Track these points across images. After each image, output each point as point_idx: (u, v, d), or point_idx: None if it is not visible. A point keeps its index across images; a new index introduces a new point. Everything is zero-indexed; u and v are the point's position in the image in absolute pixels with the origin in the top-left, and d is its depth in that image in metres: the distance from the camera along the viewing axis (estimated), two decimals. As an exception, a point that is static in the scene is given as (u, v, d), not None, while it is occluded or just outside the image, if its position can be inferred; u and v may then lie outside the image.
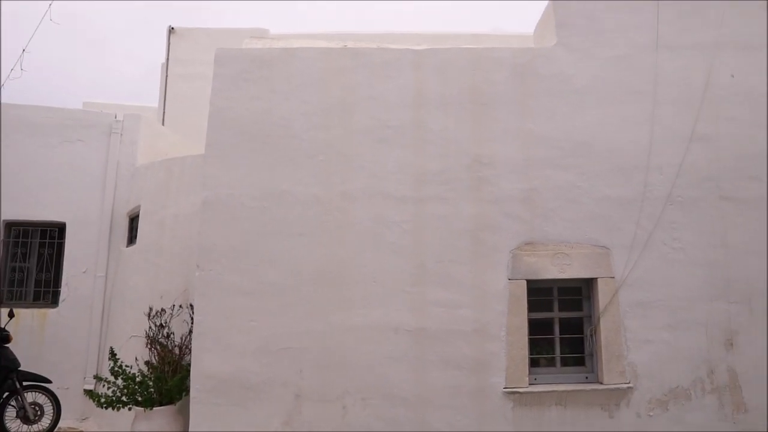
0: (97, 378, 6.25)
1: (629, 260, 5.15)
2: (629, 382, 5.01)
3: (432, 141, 5.25)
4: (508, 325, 5.01)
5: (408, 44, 6.09)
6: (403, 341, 4.99)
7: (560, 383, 5.09)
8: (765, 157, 5.41)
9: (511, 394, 4.93)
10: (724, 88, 5.49)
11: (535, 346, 5.19)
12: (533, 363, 5.15)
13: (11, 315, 6.56)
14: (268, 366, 4.96)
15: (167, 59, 9.87)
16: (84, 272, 7.44)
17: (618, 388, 4.99)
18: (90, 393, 5.83)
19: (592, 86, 5.41)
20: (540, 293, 5.22)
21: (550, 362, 5.23)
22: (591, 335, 5.19)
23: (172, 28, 9.95)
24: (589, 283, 5.24)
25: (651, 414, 5.04)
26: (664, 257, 5.19)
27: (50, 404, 6.36)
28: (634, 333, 5.08)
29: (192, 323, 5.37)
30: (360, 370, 4.96)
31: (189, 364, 5.28)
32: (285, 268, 5.07)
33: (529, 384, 5.00)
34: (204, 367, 4.93)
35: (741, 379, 5.11)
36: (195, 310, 5.09)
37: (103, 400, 5.53)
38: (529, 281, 5.08)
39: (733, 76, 5.52)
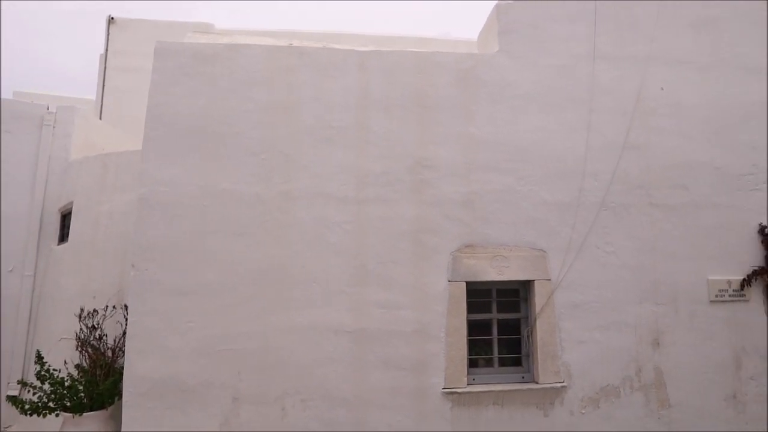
0: (22, 383, 5.94)
1: (565, 263, 5.32)
2: (563, 382, 5.16)
3: (375, 142, 5.26)
4: (447, 326, 5.07)
5: (354, 45, 6.08)
6: (343, 342, 4.97)
7: (498, 383, 5.19)
8: (690, 166, 5.71)
9: (449, 395, 4.99)
10: (655, 99, 5.76)
11: (474, 346, 5.28)
12: (472, 363, 5.24)
13: None
14: (206, 368, 4.84)
15: (106, 50, 9.50)
16: (10, 271, 7.08)
17: (553, 387, 5.14)
18: (13, 399, 5.54)
19: (532, 93, 5.56)
20: (479, 295, 5.31)
21: (489, 363, 5.32)
22: (528, 336, 5.32)
23: (112, 18, 9.57)
24: (527, 285, 5.37)
25: (583, 412, 5.20)
26: (597, 260, 5.38)
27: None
28: (568, 333, 5.25)
29: (126, 324, 5.18)
30: (299, 371, 4.91)
31: (122, 367, 5.10)
32: (224, 268, 4.97)
33: (468, 384, 5.07)
34: (138, 370, 4.77)
35: (666, 376, 5.35)
36: (129, 311, 4.92)
37: (27, 406, 5.26)
38: (468, 283, 5.16)
39: (663, 88, 5.80)
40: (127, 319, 5.08)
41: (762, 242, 5.73)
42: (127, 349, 4.83)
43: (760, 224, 5.76)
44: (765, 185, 5.86)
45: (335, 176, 5.17)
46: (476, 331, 5.29)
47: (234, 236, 5.02)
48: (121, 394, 4.87)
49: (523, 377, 5.29)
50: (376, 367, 4.98)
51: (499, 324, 5.36)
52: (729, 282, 5.60)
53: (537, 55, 5.65)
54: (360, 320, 5.01)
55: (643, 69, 5.79)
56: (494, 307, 5.37)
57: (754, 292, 5.64)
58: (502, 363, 5.34)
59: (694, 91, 5.88)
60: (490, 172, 5.34)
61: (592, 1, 5.86)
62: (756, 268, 5.66)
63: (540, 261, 5.29)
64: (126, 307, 5.43)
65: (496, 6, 5.75)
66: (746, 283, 5.61)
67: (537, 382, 5.17)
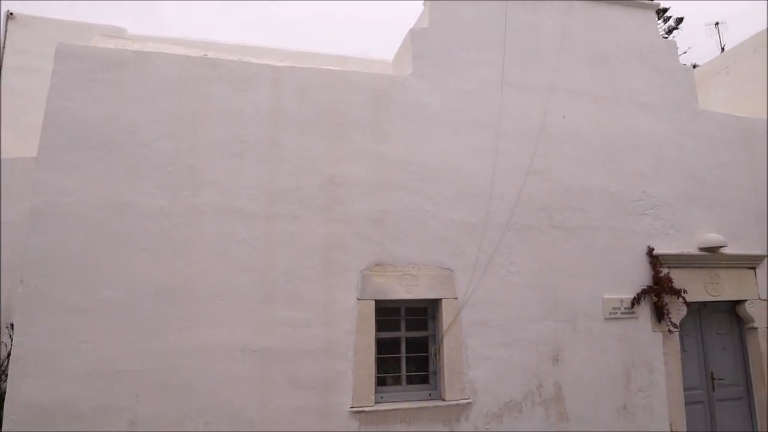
0: None
1: (471, 282, 5.48)
2: (468, 398, 5.29)
3: (286, 159, 5.22)
4: (356, 344, 5.07)
5: (271, 59, 6.04)
6: (249, 361, 4.85)
7: (405, 401, 5.23)
8: (588, 191, 6.08)
9: (357, 413, 4.97)
10: (557, 127, 6.11)
11: (382, 364, 5.31)
12: (380, 381, 5.26)
13: None
14: (101, 391, 4.56)
15: (3, 48, 8.85)
16: None
17: (458, 404, 5.24)
18: None
19: (443, 116, 5.74)
20: (388, 313, 5.36)
21: (397, 381, 5.37)
22: (435, 354, 5.42)
23: (11, 13, 8.94)
24: (435, 304, 5.48)
25: (488, 427, 5.34)
26: (502, 279, 5.59)
27: None
28: (474, 351, 5.39)
29: (11, 345, 4.81)
30: (203, 392, 4.73)
31: (5, 392, 4.71)
32: (124, 285, 4.72)
33: (375, 402, 5.08)
34: (22, 395, 4.41)
35: (565, 390, 5.61)
36: (15, 330, 4.56)
37: None
38: (377, 301, 5.20)
39: (564, 117, 6.16)
40: (12, 339, 4.72)
41: (650, 263, 6.17)
42: (10, 372, 4.47)
43: (648, 246, 6.20)
44: (653, 211, 6.33)
45: (245, 191, 5.07)
46: (385, 349, 5.33)
47: (136, 251, 4.80)
48: (2, 422, 4.49)
49: (430, 394, 5.36)
50: (282, 386, 4.89)
51: (407, 342, 5.43)
52: (621, 300, 5.98)
53: (448, 80, 5.85)
54: (267, 338, 4.91)
55: (547, 98, 6.14)
56: (403, 325, 5.44)
57: (643, 309, 6.06)
58: (410, 381, 5.40)
59: (591, 121, 6.29)
60: (401, 191, 5.44)
61: (501, 31, 6.15)
62: (644, 287, 6.08)
63: (448, 280, 5.42)
64: (12, 326, 5.04)
65: (411, 31, 5.92)
66: (636, 301, 6.01)
67: (443, 399, 5.26)
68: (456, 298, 5.41)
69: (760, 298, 6.62)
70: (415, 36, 5.88)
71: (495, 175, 5.76)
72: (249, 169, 5.12)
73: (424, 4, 6.43)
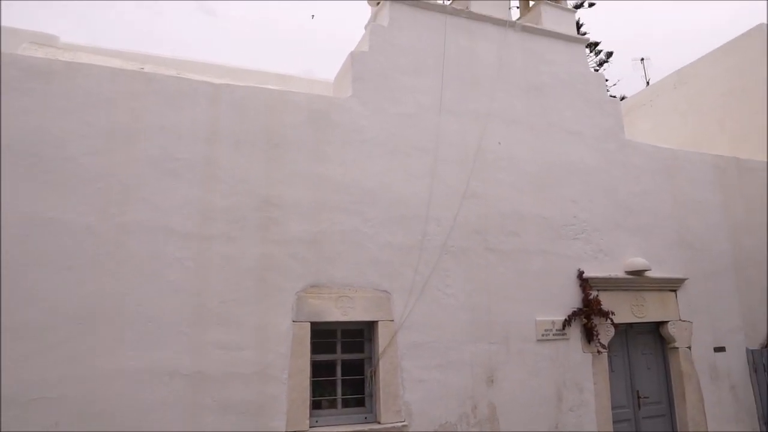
0: None
1: (407, 304, 5.51)
2: (404, 421, 5.27)
3: (222, 178, 5.12)
4: (290, 367, 4.98)
5: (211, 75, 5.95)
6: (179, 386, 4.67)
7: (341, 424, 5.16)
8: (521, 215, 6.27)
9: (291, 438, 4.87)
10: (493, 153, 6.30)
11: (318, 387, 5.23)
12: (315, 405, 5.18)
13: None
14: (15, 420, 4.26)
15: None
16: None
17: (394, 427, 5.21)
18: None
19: (381, 139, 5.80)
20: (324, 335, 5.30)
21: (332, 404, 5.29)
22: (371, 376, 5.39)
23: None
24: (371, 326, 5.47)
25: (423, 450, 5.34)
26: (437, 302, 5.65)
27: None
28: (409, 373, 5.40)
29: None
30: (129, 418, 4.51)
31: None
32: (45, 306, 4.46)
33: (310, 426, 4.99)
34: (-76, 425, 4.09)
35: (499, 411, 5.69)
36: None
37: None
38: (313, 323, 5.13)
39: (500, 143, 6.36)
40: None
41: (580, 286, 6.40)
42: None
43: (578, 270, 6.43)
44: (583, 235, 6.59)
45: (178, 210, 4.93)
46: (320, 371, 5.26)
47: (58, 270, 4.56)
48: None
49: (366, 418, 5.32)
50: (214, 411, 4.72)
51: (343, 364, 5.38)
52: (553, 322, 6.16)
53: (387, 103, 5.93)
54: (198, 362, 4.75)
55: (483, 124, 6.32)
56: (339, 347, 5.39)
57: (573, 331, 6.25)
58: (346, 404, 5.34)
59: (526, 148, 6.53)
60: (337, 213, 5.43)
61: (440, 58, 6.32)
62: (575, 309, 6.29)
63: (384, 302, 5.43)
64: None
65: (351, 54, 5.98)
66: (567, 323, 6.20)
67: (379, 422, 5.22)
68: (392, 321, 5.42)
69: (680, 319, 6.97)
70: (355, 59, 5.95)
71: (432, 199, 5.85)
72: (183, 188, 4.98)
73: (365, 28, 6.53)
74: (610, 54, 19.71)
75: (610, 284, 6.59)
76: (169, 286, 4.79)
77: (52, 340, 4.44)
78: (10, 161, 4.59)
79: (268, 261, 5.10)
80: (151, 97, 5.09)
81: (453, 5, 6.94)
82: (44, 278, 4.50)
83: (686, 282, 7.10)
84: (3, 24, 7.08)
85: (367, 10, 7.37)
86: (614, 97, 18.67)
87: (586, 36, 19.00)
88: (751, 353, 7.29)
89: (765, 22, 9.10)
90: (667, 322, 6.90)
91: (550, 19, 7.36)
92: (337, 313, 5.22)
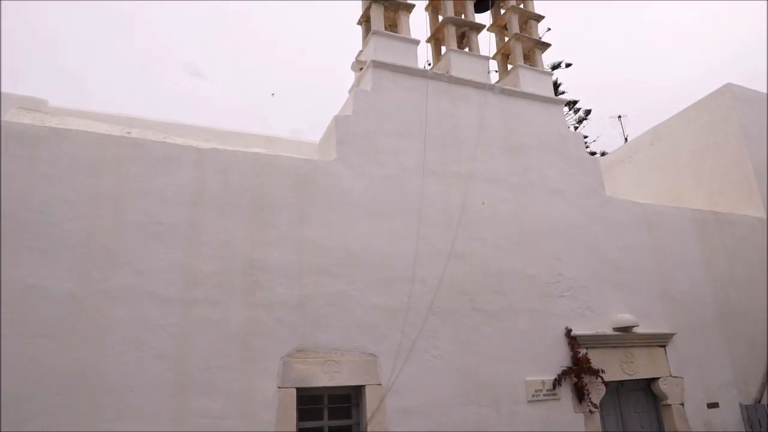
0: None
1: (395, 367, 5.41)
2: (394, 489, 5.09)
3: (207, 242, 5.10)
4: (275, 435, 4.82)
5: (197, 138, 6.03)
6: (159, 458, 4.49)
7: (327, 495, 4.98)
8: (506, 274, 6.28)
9: None
10: (476, 213, 6.38)
11: (304, 456, 5.06)
12: (301, 474, 5.00)
13: None
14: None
15: None
16: None
17: (383, 497, 5.03)
18: None
19: (365, 201, 5.85)
20: (310, 401, 5.17)
21: (319, 473, 5.11)
22: (358, 443, 5.23)
23: None
24: (358, 391, 5.35)
25: None
26: (425, 364, 5.56)
27: None
28: (398, 439, 5.25)
29: None
30: (106, 495, 4.31)
31: None
32: (22, 376, 4.31)
33: (296, 498, 4.80)
34: None
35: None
36: None
37: None
38: (299, 389, 5.01)
39: (483, 203, 6.44)
40: None
41: (569, 344, 6.35)
42: None
43: (566, 328, 6.41)
44: (569, 292, 6.60)
45: (161, 275, 4.88)
46: (306, 439, 5.10)
47: (38, 338, 4.43)
48: None
49: (353, 487, 5.13)
50: (196, 484, 4.53)
51: (330, 431, 5.23)
52: (543, 382, 6.07)
53: (371, 166, 6.02)
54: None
55: (466, 185, 6.42)
56: (326, 413, 5.25)
57: (564, 390, 6.15)
58: (333, 473, 5.16)
59: (508, 207, 6.61)
60: (323, 276, 5.40)
61: (422, 121, 6.48)
62: (565, 368, 6.22)
63: (371, 366, 5.33)
64: None
65: (335, 118, 6.12)
66: (557, 382, 6.12)
67: (368, 492, 5.04)
68: (380, 385, 5.31)
69: (671, 375, 6.91)
70: (339, 123, 6.08)
71: (417, 260, 5.85)
72: (167, 252, 4.95)
73: (348, 93, 6.71)
74: (588, 111, 20.30)
75: (599, 341, 6.56)
76: (151, 352, 4.68)
77: (28, 412, 4.27)
78: (-7, 228, 4.54)
79: (253, 325, 5.02)
80: (137, 162, 5.13)
81: (434, 70, 7.19)
82: (20, 347, 4.37)
83: (674, 337, 7.08)
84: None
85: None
86: (594, 153, 19.28)
87: (563, 96, 19.72)
88: (745, 409, 7.21)
89: (731, 81, 9.49)
90: (658, 378, 6.83)
91: (528, 81, 7.62)
92: (323, 378, 5.11)
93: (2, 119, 5.04)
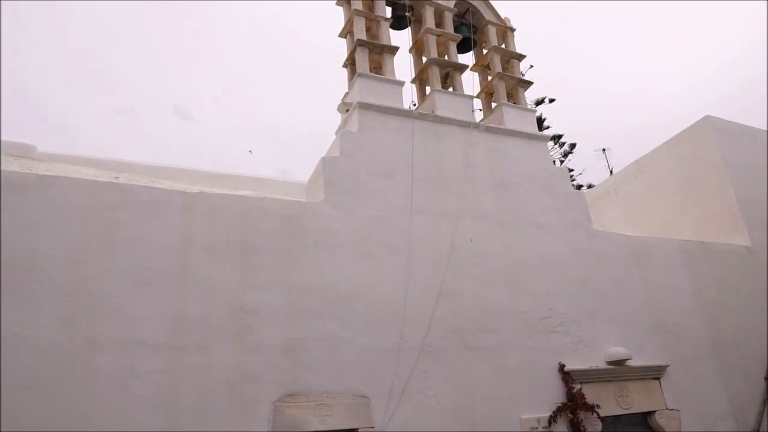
0: None
1: (387, 409, 5.32)
2: None
3: (195, 286, 5.06)
4: (266, 485, 4.71)
5: (186, 181, 6.05)
6: None
7: None
8: (498, 311, 6.27)
9: None
10: (465, 250, 6.39)
11: (295, 505, 4.92)
12: None
13: None
14: None
15: None
16: None
17: None
18: None
19: (354, 241, 5.85)
20: (302, 447, 5.07)
21: None
22: (352, 489, 5.11)
23: None
24: (351, 434, 5.26)
25: None
26: (418, 405, 5.47)
27: None
28: (391, 483, 5.13)
29: None
30: None
31: None
32: (4, 430, 4.22)
33: None
34: None
35: None
36: None
37: None
38: (290, 435, 4.92)
39: (472, 240, 6.47)
40: None
41: (562, 380, 6.30)
42: None
43: (559, 363, 6.36)
44: (561, 327, 6.58)
45: (149, 321, 4.81)
46: (298, 487, 4.97)
47: (20, 390, 4.33)
48: None
49: None
50: None
51: (322, 478, 5.11)
52: (538, 420, 5.98)
53: (359, 206, 6.04)
54: (168, 485, 4.46)
55: (454, 223, 6.45)
56: (318, 459, 5.14)
57: (560, 427, 6.06)
58: None
59: (497, 243, 6.64)
60: (313, 318, 5.35)
61: (409, 160, 6.55)
62: (560, 404, 6.14)
63: (364, 408, 5.24)
64: None
65: (322, 159, 6.17)
66: (553, 419, 6.04)
67: None
68: (372, 427, 5.21)
69: (668, 408, 6.84)
70: (326, 164, 6.13)
71: (407, 299, 5.82)
72: (155, 298, 4.90)
73: (335, 134, 6.79)
74: (573, 145, 20.66)
75: (593, 376, 6.50)
76: (138, 401, 4.58)
77: (9, 469, 4.15)
78: (-25, 277, 4.49)
79: (243, 370, 4.94)
80: (125, 207, 5.12)
81: (419, 110, 7.31)
82: (1, 400, 4.26)
83: (668, 368, 7.04)
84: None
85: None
86: (581, 186, 19.49)
87: (547, 131, 20.07)
88: (743, 440, 7.14)
89: (709, 114, 9.70)
90: (654, 411, 6.76)
91: (512, 118, 7.76)
92: (315, 422, 5.01)
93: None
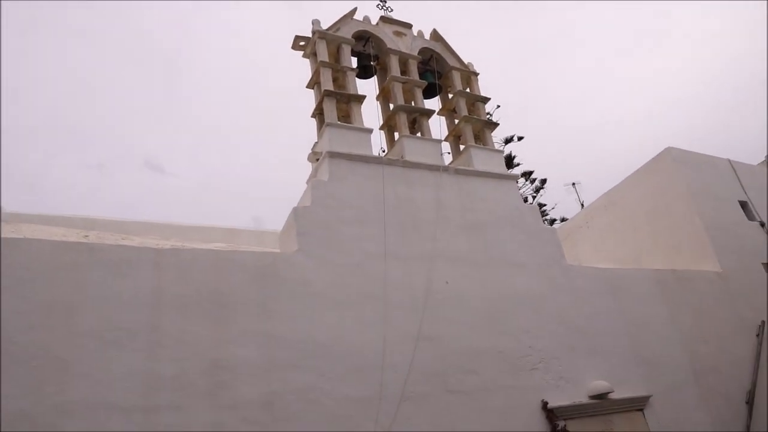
0: None
1: (370, 461, 5.20)
2: None
3: (167, 344, 4.93)
4: None
5: (156, 236, 5.99)
6: None
7: None
8: (477, 352, 6.23)
9: None
10: (441, 293, 6.39)
11: None
12: None
13: None
14: None
15: None
16: None
17: None
18: None
19: (329, 290, 5.81)
20: (282, 507, 4.89)
21: None
22: None
23: None
24: (334, 489, 5.10)
25: None
26: (402, 453, 5.36)
27: None
28: None
29: None
30: None
31: None
32: None
33: None
34: None
35: None
36: None
37: None
38: (269, 495, 4.76)
39: (447, 282, 6.48)
40: None
41: (547, 418, 6.24)
42: None
43: (542, 401, 6.31)
44: (541, 364, 6.55)
45: (120, 383, 4.66)
46: None
47: (-20, 467, 4.14)
48: None
49: None
50: None
51: None
52: (524, 460, 5.89)
53: (333, 255, 6.03)
54: None
55: (429, 266, 6.46)
56: None
57: (547, 467, 5.97)
58: None
59: (473, 284, 6.66)
60: (290, 371, 5.24)
61: (380, 206, 6.58)
62: (545, 442, 6.07)
63: (346, 461, 5.11)
64: None
65: (294, 210, 6.17)
66: (539, 459, 5.95)
67: None
68: (354, 481, 5.07)
69: (653, 440, 6.79)
70: (298, 214, 6.13)
71: (386, 346, 5.75)
72: (126, 358, 4.76)
73: (306, 183, 6.82)
74: (544, 181, 21.04)
75: (576, 411, 6.45)
76: (111, 468, 4.40)
77: None
78: (-64, 348, 4.33)
79: (219, 428, 4.78)
80: (95, 266, 5.03)
81: (389, 156, 7.43)
82: (-34, 477, 4.07)
83: (651, 399, 7.03)
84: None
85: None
86: (555, 220, 19.75)
87: (518, 168, 20.44)
88: (730, 468, 7.10)
89: (670, 145, 10.02)
90: (639, 444, 6.71)
91: (481, 160, 7.90)
92: (293, 480, 4.86)
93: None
